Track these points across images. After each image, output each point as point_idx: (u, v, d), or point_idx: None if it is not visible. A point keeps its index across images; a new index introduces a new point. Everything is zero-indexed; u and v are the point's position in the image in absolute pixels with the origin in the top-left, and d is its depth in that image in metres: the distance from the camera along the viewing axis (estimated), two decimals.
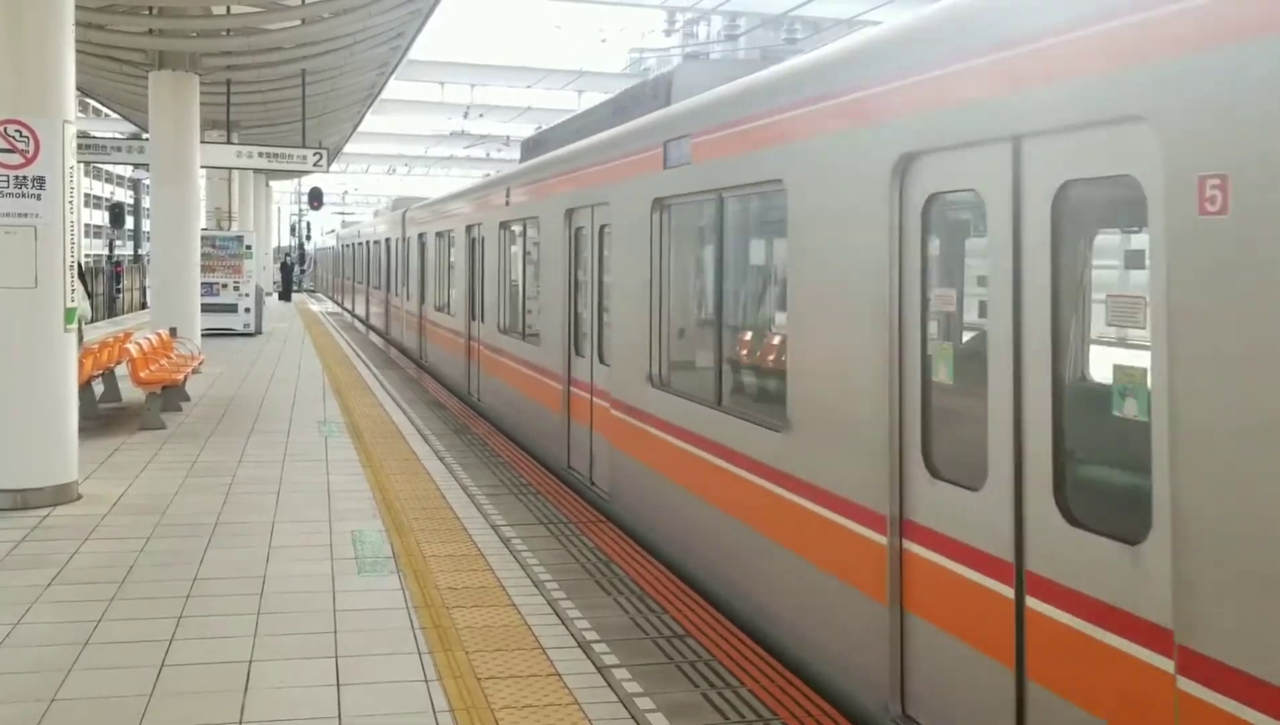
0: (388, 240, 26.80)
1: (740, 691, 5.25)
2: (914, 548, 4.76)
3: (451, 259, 17.57)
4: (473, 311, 15.47)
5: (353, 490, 9.62)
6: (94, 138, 27.35)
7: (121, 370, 14.59)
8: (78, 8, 9.68)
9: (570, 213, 10.26)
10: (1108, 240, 4.12)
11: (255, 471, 10.45)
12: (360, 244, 35.87)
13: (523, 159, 14.22)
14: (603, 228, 9.35)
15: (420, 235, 20.82)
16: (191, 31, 19.44)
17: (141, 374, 13.28)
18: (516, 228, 12.98)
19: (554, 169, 11.00)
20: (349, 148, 47.31)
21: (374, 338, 27.94)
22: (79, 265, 24.67)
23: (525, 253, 12.70)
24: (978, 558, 4.31)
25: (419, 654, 5.70)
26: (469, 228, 15.63)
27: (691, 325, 8.00)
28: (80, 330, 19.96)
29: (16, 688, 5.25)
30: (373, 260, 31.06)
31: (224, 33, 19.78)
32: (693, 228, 7.87)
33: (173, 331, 17.65)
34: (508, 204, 12.96)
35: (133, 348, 13.63)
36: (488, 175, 24.69)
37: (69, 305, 9.21)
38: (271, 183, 53.46)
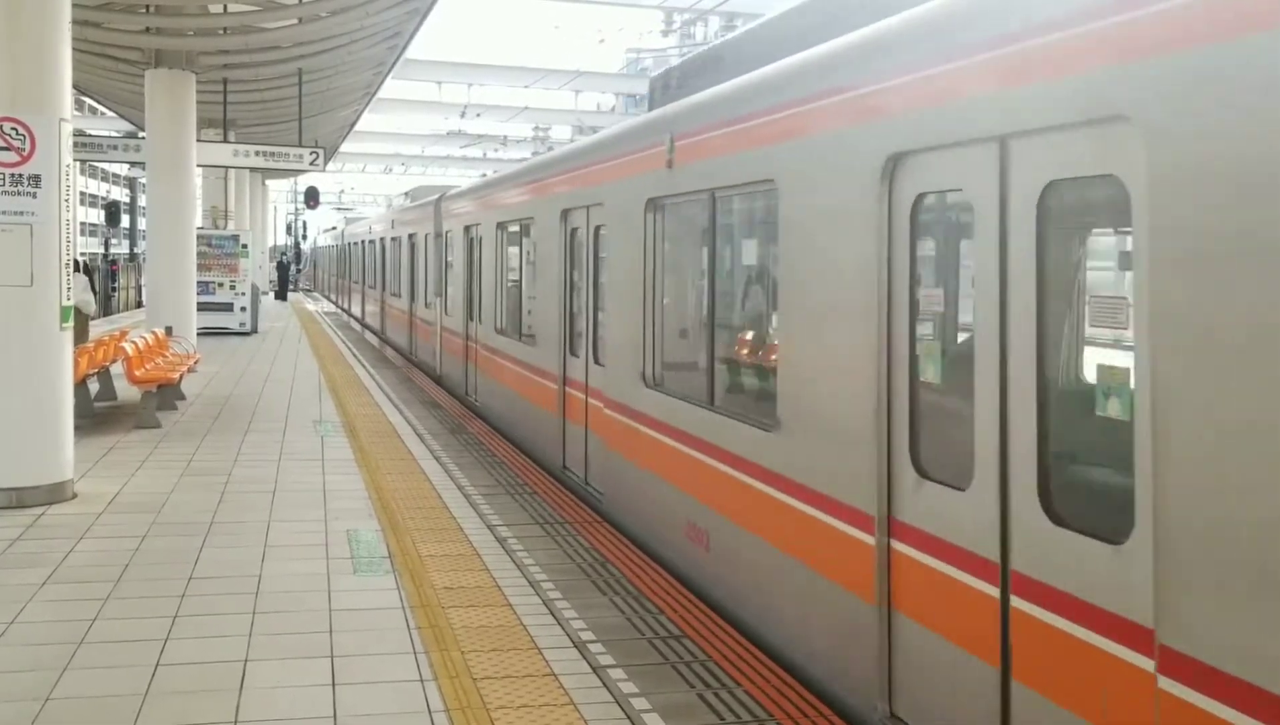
0: (411, 237, 21.83)
1: (736, 692, 5.24)
2: None
3: (528, 263, 12.54)
4: (571, 343, 10.37)
5: (348, 490, 9.61)
6: (90, 136, 27.32)
7: (117, 369, 14.56)
8: (74, 5, 9.66)
9: (900, 166, 4.84)
10: None
11: (251, 471, 10.44)
12: (372, 241, 29.50)
13: (655, 105, 9.05)
14: (1004, 193, 4.19)
15: (468, 229, 15.69)
16: (188, 30, 19.42)
17: (137, 373, 13.26)
18: (693, 210, 7.53)
19: (836, 79, 5.41)
20: (346, 147, 47.21)
21: (390, 353, 23.81)
22: (84, 261, 24.32)
23: (715, 253, 7.14)
24: None
25: (414, 654, 5.69)
26: (565, 214, 10.44)
27: None
28: (86, 325, 20.04)
29: (11, 686, 5.23)
30: (390, 262, 25.43)
31: (221, 31, 19.75)
32: None
33: (168, 330, 17.63)
34: (670, 166, 7.59)
35: (128, 346, 13.61)
36: (483, 174, 23.84)
37: (64, 303, 9.19)
38: (268, 181, 53.40)
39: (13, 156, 8.81)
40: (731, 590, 6.50)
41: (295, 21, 19.57)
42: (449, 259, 17.64)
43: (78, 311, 20.32)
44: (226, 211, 31.47)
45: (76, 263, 22.19)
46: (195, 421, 13.45)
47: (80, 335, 19.24)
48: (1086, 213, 4.18)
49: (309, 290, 64.72)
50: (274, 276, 49.01)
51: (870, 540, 4.95)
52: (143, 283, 32.73)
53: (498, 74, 36.78)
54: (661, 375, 8.06)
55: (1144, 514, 3.41)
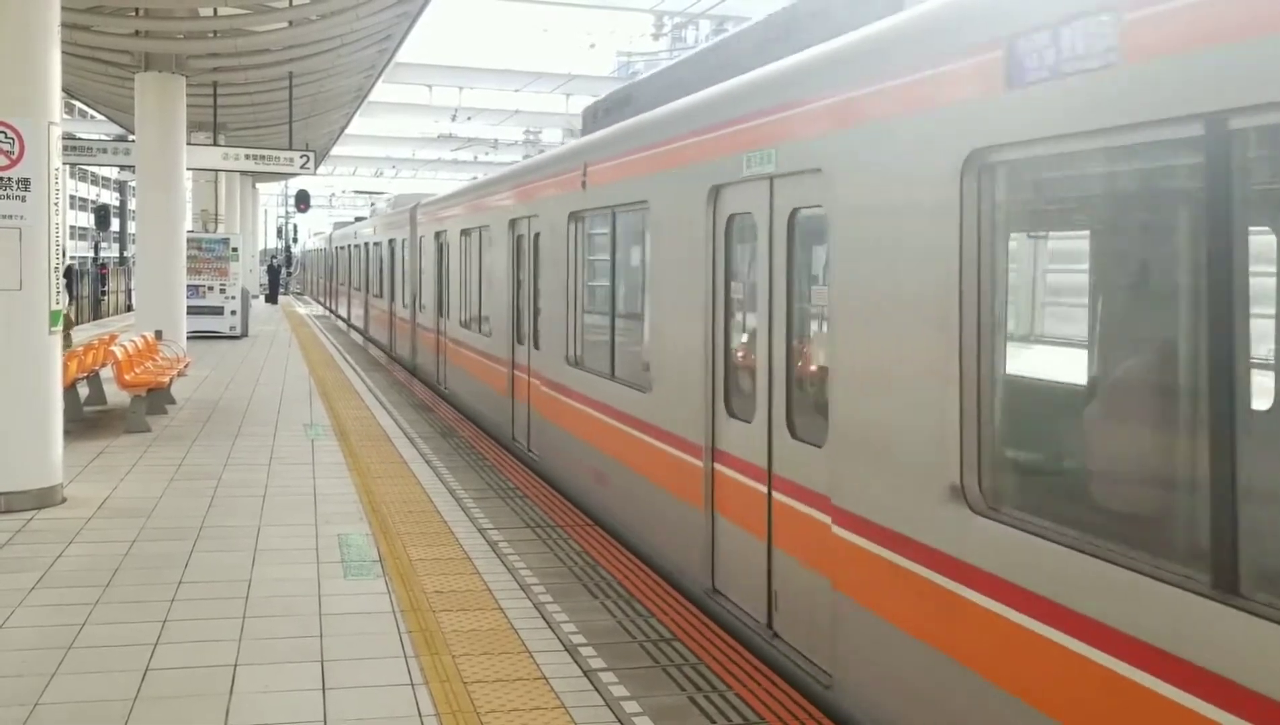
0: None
1: (727, 695, 5.24)
2: None
3: (627, 272, 8.75)
4: (728, 399, 6.61)
5: (339, 494, 9.59)
6: (80, 140, 27.30)
7: (107, 373, 14.52)
8: (64, 9, 9.64)
9: None
10: None
11: (241, 475, 10.41)
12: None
13: None
14: None
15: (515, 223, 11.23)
16: (178, 33, 19.39)
17: (127, 377, 13.22)
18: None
19: None
20: (336, 150, 47.20)
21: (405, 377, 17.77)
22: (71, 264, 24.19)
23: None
24: None
25: (405, 658, 5.68)
26: (716, 194, 6.67)
27: None
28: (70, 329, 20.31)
29: (0, 691, 5.22)
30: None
31: (211, 34, 19.73)
32: None
33: (158, 334, 17.59)
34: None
35: (118, 350, 13.58)
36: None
37: (54, 307, 9.17)
38: (258, 185, 53.33)
39: (1, 160, 8.78)
40: None
41: (285, 25, 19.56)
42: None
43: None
44: (216, 215, 31.40)
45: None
46: (185, 425, 13.42)
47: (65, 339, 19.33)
48: None
49: (299, 293, 64.68)
50: (264, 280, 48.96)
51: None
52: (132, 286, 32.67)
53: (488, 77, 36.81)
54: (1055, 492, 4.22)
55: None
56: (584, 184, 9.22)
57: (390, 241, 23.96)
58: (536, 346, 10.91)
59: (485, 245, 13.82)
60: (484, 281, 13.91)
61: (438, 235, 17.50)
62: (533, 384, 11.15)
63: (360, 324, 31.75)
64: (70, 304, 21.75)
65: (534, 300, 11.10)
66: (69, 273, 23.05)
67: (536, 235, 10.93)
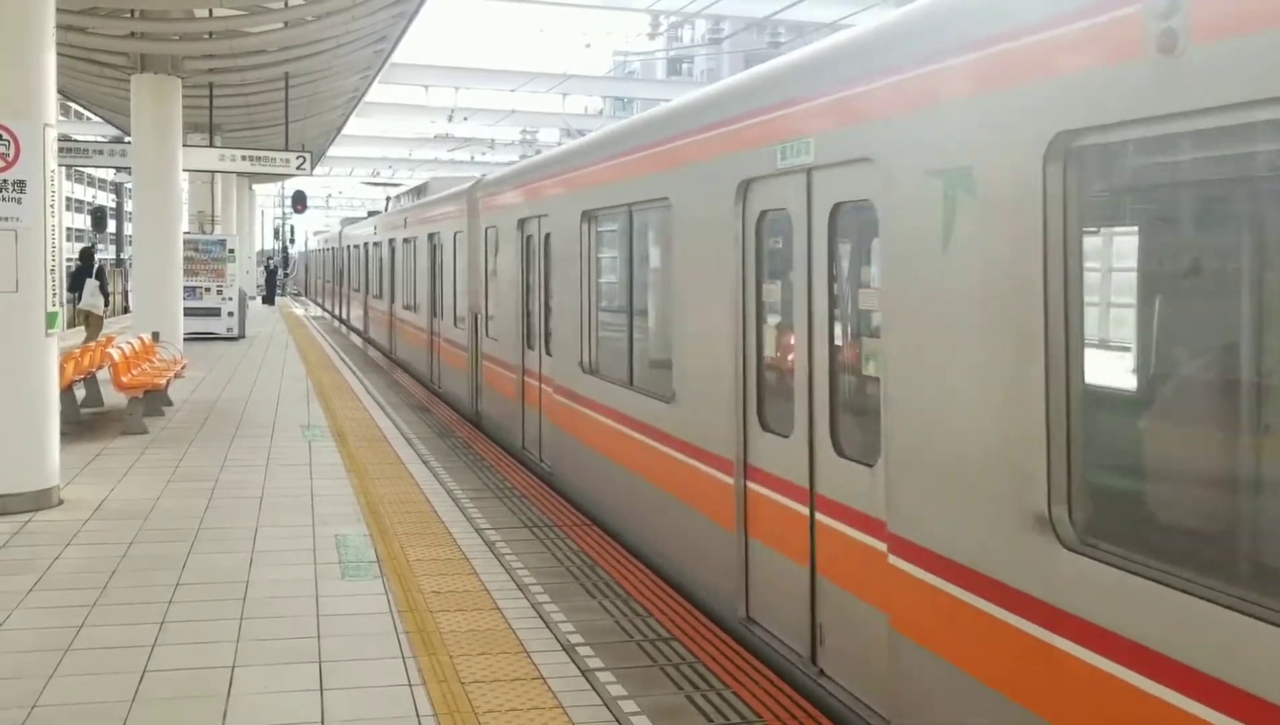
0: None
1: (724, 694, 5.25)
2: None
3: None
4: None
5: (336, 494, 9.59)
6: (75, 141, 27.29)
7: (103, 375, 14.51)
8: (59, 10, 9.64)
9: None
10: None
11: (238, 476, 10.41)
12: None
13: None
14: None
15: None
16: (174, 34, 19.39)
17: (123, 378, 13.21)
18: None
19: None
20: (332, 151, 47.16)
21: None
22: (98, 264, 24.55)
23: None
24: None
25: (403, 658, 5.69)
26: None
27: None
28: (100, 325, 20.58)
29: None
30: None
31: (206, 35, 19.72)
32: None
33: (155, 336, 17.58)
34: None
35: (115, 352, 13.57)
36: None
37: (50, 309, 9.16)
38: (255, 186, 53.30)
39: None
40: None
41: (281, 25, 19.56)
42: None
43: (90, 313, 20.98)
44: (213, 216, 31.39)
45: (92, 268, 22.66)
46: (182, 427, 13.41)
47: (92, 335, 19.57)
48: None
49: (297, 294, 64.67)
50: (261, 281, 48.95)
51: None
52: (129, 288, 32.66)
53: (484, 77, 36.75)
54: None
55: None
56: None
57: (431, 237, 17.98)
58: (837, 450, 5.30)
59: (653, 238, 8.40)
60: (652, 304, 8.43)
61: (523, 224, 11.85)
62: (832, 532, 5.34)
63: (382, 340, 25.20)
64: (106, 307, 22.21)
65: (809, 351, 5.53)
66: (100, 273, 23.37)
67: (837, 209, 5.31)
